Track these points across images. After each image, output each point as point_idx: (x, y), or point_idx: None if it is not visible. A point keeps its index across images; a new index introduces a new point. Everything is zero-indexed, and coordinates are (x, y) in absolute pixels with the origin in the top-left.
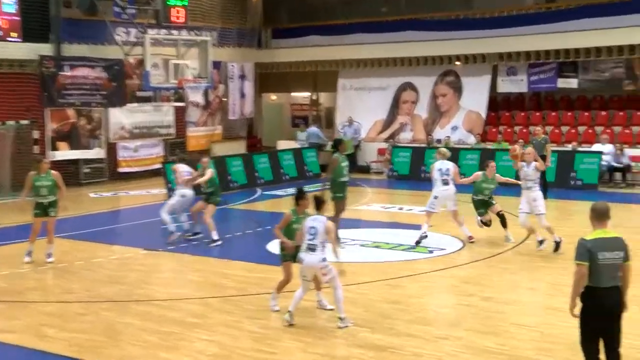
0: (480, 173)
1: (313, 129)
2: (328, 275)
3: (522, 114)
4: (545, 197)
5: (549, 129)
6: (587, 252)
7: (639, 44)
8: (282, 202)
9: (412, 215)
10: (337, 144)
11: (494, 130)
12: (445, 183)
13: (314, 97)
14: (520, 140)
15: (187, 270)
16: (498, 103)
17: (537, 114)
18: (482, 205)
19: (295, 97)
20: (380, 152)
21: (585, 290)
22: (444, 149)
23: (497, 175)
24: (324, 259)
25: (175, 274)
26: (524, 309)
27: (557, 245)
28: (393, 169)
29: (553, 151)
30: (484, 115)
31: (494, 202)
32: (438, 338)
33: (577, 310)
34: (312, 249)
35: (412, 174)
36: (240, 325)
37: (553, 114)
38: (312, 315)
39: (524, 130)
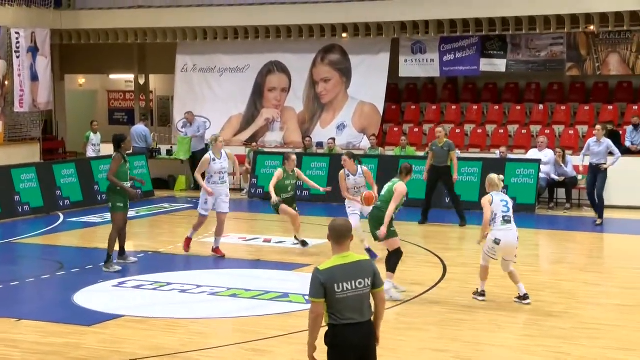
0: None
1: (139, 127)
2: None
3: (434, 107)
4: (463, 223)
5: (469, 127)
6: (320, 286)
7: (583, 14)
8: (98, 232)
9: (282, 251)
10: (120, 141)
11: (395, 129)
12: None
13: (141, 82)
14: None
15: None
16: (400, 92)
17: (454, 107)
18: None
19: (115, 82)
20: (240, 159)
21: (328, 329)
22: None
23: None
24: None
25: None
26: None
27: None
28: (256, 185)
29: (474, 159)
30: (381, 109)
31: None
32: None
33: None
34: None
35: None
36: None
37: (474, 107)
38: None
39: (439, 129)
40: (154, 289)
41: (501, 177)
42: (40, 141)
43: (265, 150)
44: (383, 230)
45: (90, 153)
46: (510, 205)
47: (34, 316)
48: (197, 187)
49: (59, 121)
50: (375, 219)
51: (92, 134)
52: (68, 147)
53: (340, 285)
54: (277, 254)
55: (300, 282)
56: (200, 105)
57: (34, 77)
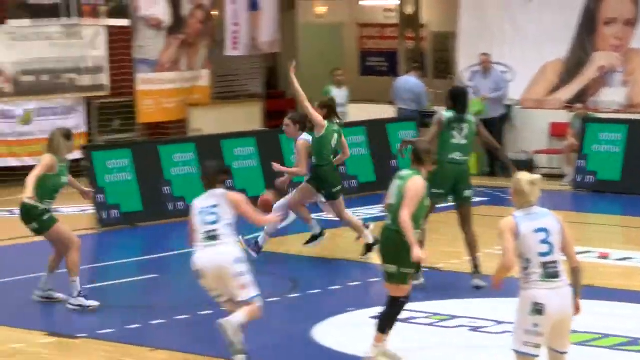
0: None
1: (408, 80)
2: None
3: None
4: None
5: None
6: None
7: None
8: (346, 234)
9: (625, 272)
10: (458, 96)
11: None
12: None
13: (408, 11)
14: None
15: None
16: None
17: None
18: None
19: (369, 11)
20: (558, 130)
21: None
22: None
23: None
24: None
25: None
26: None
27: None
28: (585, 169)
29: None
30: None
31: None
32: None
33: None
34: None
35: (627, 179)
36: None
37: None
38: None
39: None
40: (431, 324)
41: (535, 177)
42: (263, 99)
43: (600, 116)
44: (416, 252)
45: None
46: (555, 237)
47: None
48: (492, 172)
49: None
50: (390, 242)
51: (334, 89)
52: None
53: None
54: (617, 276)
55: None
56: (498, 47)
57: (254, 6)
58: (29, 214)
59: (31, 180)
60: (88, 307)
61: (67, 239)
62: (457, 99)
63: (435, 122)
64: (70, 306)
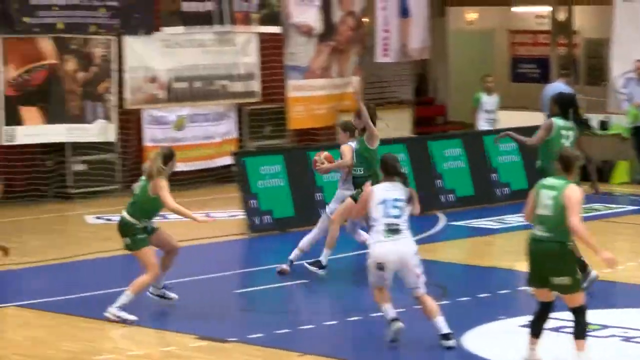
0: None
1: (558, 86)
2: None
3: None
4: None
5: None
6: None
7: None
8: (496, 241)
9: None
10: (569, 103)
11: None
12: None
13: (561, 17)
14: None
15: None
16: None
17: None
18: None
19: (521, 17)
20: None
21: None
22: None
23: None
24: None
25: None
26: None
27: None
28: None
29: None
30: None
31: None
32: None
33: None
34: None
35: None
36: None
37: None
38: None
39: None
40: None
41: None
42: (412, 106)
43: None
44: (606, 255)
45: (482, 124)
46: None
47: None
48: None
49: (438, 77)
50: (551, 254)
51: (484, 96)
52: (451, 114)
53: None
54: None
55: None
56: None
57: (405, 12)
58: (125, 229)
59: (177, 206)
60: (126, 320)
61: (148, 264)
62: (564, 106)
63: (545, 127)
64: (108, 314)
